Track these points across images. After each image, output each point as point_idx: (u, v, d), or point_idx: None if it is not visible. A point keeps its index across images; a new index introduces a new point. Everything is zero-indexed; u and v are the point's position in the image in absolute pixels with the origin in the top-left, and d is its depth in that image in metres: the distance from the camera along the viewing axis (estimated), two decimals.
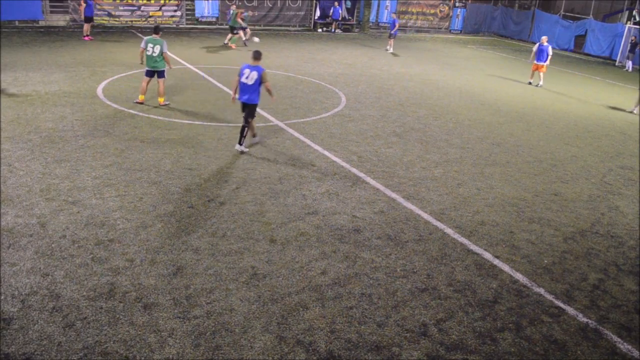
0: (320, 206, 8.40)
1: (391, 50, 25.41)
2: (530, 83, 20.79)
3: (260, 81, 9.94)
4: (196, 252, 6.78)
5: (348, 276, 6.61)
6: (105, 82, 14.63)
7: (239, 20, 22.37)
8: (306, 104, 14.24)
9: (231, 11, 22.71)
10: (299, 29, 30.11)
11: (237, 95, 10.19)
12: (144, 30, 24.38)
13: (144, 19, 25.63)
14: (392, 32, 25.21)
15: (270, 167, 9.72)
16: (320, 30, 30.50)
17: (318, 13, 30.41)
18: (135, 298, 5.80)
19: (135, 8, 25.23)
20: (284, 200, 8.46)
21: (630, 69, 27.77)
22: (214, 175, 9.13)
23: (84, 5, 21.08)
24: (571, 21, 33.65)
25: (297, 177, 9.42)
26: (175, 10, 26.44)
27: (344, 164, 10.27)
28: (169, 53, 12.72)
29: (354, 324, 5.74)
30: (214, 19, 27.59)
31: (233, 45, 22.56)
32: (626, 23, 32.29)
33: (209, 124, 11.81)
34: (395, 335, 5.65)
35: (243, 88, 10.01)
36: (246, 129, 10.29)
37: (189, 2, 26.89)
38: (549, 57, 20.08)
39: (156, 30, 12.80)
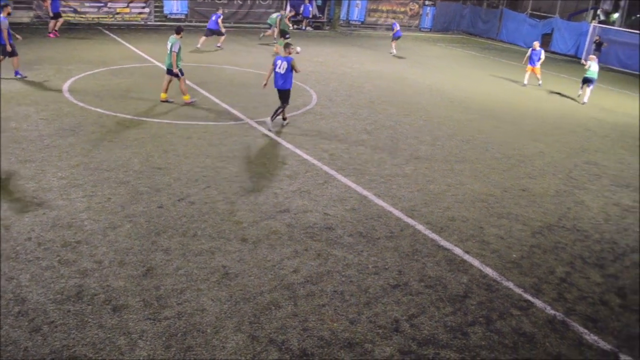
0: (292, 204, 8.39)
1: (394, 52, 25.53)
2: (525, 85, 21.08)
3: (291, 69, 11.68)
4: (166, 252, 6.70)
5: (320, 274, 6.61)
6: (71, 80, 14.33)
7: (287, 22, 22.78)
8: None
9: (278, 15, 23.14)
10: (269, 26, 29.94)
11: (268, 83, 11.91)
12: (111, 28, 23.97)
13: (111, 16, 25.18)
14: (394, 34, 25.32)
15: (241, 166, 9.66)
16: (290, 27, 30.40)
17: (288, 9, 30.29)
18: (104, 300, 5.70)
19: (102, 4, 24.76)
20: (255, 199, 8.42)
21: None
22: (184, 175, 9.03)
23: (48, 1, 20.57)
24: (538, 20, 34.25)
25: (268, 176, 9.38)
26: (143, 7, 26.03)
27: (315, 161, 10.27)
28: (175, 52, 12.69)
29: (326, 322, 5.75)
30: (183, 16, 27.25)
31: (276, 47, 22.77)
32: (591, 22, 33.03)
33: (178, 122, 11.67)
34: (368, 331, 5.68)
35: (277, 77, 11.76)
36: (281, 109, 11.95)
37: None
38: (540, 60, 20.69)
39: (177, 30, 12.94)
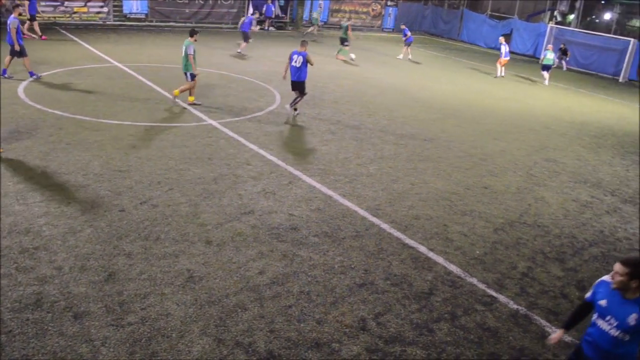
0: (257, 205, 8.33)
1: (409, 56, 25.84)
2: (496, 77, 23.66)
3: (305, 63, 12.85)
4: (129, 256, 6.56)
5: (286, 275, 6.58)
6: (27, 81, 13.91)
7: (349, 32, 23.14)
8: (240, 102, 14.09)
9: (344, 24, 23.70)
10: (232, 26, 29.72)
11: (287, 75, 13.20)
12: (69, 27, 23.39)
13: (68, 15, 24.57)
14: (407, 40, 25.52)
15: (204, 168, 9.55)
16: (253, 27, 30.24)
17: (251, 10, 30.13)
18: (65, 307, 5.55)
19: (59, 3, 24.13)
20: (219, 201, 8.33)
21: (565, 68, 29.17)
22: (145, 177, 8.87)
23: (27, 2, 20.01)
24: (497, 21, 34.95)
25: (232, 177, 9.29)
26: (101, 6, 25.49)
27: (279, 162, 10.22)
28: (191, 55, 12.82)
29: (293, 323, 5.73)
30: (142, 16, 26.80)
31: (342, 58, 23.09)
32: (548, 23, 33.89)
33: (139, 123, 11.46)
34: (335, 331, 5.68)
35: (293, 70, 12.99)
36: (298, 98, 13.29)
37: None
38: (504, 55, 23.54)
39: (191, 33, 13.04)
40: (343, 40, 23.28)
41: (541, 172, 11.57)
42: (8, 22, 13.93)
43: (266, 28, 30.52)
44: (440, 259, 7.41)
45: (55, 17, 24.18)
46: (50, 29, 22.61)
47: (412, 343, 5.65)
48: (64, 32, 22.29)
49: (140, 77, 15.51)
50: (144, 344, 5.17)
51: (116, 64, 17.05)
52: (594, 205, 10.12)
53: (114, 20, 26.04)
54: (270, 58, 21.42)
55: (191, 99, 13.30)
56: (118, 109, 12.29)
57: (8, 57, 14.08)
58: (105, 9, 25.68)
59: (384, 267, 7.04)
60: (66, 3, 24.37)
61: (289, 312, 5.90)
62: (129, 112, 12.15)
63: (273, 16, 30.84)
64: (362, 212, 8.53)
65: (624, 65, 28.29)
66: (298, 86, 13.19)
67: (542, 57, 24.10)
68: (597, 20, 46.13)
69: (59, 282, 5.93)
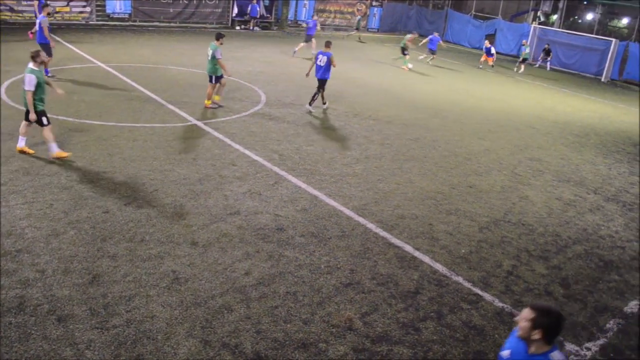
0: (242, 206, 8.30)
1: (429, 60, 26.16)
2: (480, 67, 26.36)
3: (329, 63, 13.90)
4: (113, 258, 6.50)
5: (272, 275, 6.56)
6: (8, 81, 13.72)
7: (409, 43, 23.58)
8: (225, 102, 14.02)
9: (408, 36, 24.37)
10: (216, 26, 29.59)
11: (311, 73, 14.34)
12: (51, 27, 23.05)
13: (49, 15, 24.26)
14: (433, 47, 25.83)
15: (189, 168, 9.49)
16: (238, 28, 30.13)
17: (236, 10, 30.01)
18: (48, 310, 5.48)
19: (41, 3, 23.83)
20: (205, 202, 8.28)
21: (548, 68, 29.48)
22: (130, 178, 8.79)
23: (36, 3, 19.79)
24: (482, 21, 35.18)
25: (218, 178, 9.25)
26: (84, 6, 25.23)
27: (265, 162, 10.20)
28: (219, 59, 12.95)
29: (279, 323, 5.71)
30: (126, 16, 26.58)
31: (405, 68, 23.22)
32: (532, 23, 34.19)
33: (123, 124, 11.36)
34: (322, 331, 5.68)
35: (318, 68, 14.06)
36: (317, 95, 14.25)
37: None
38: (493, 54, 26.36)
39: (217, 37, 13.09)
40: (403, 50, 23.56)
41: (525, 171, 11.67)
42: (38, 21, 14.35)
43: (251, 28, 30.43)
44: (426, 258, 7.44)
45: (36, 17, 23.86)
46: (31, 28, 22.30)
47: (398, 342, 5.67)
48: None
49: (124, 78, 15.38)
50: (129, 347, 5.12)
51: (99, 64, 16.89)
52: (577, 204, 10.23)
53: (97, 20, 25.79)
54: (255, 58, 21.36)
55: (207, 102, 13.42)
56: (101, 110, 12.18)
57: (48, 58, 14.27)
58: (88, 9, 25.42)
59: (370, 266, 7.05)
60: (48, 3, 24.05)
61: (276, 312, 5.89)
62: (113, 113, 12.04)
63: (258, 16, 30.75)
64: (348, 212, 8.54)
65: (606, 65, 28.65)
66: (322, 83, 14.28)
67: (522, 52, 27.55)
68: (579, 21, 46.64)
69: (42, 285, 5.86)
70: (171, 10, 27.76)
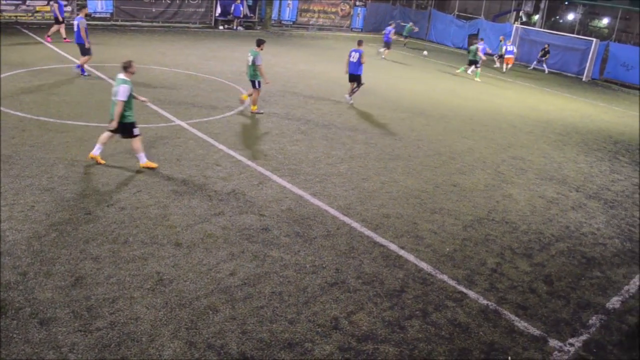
0: (227, 206, 8.26)
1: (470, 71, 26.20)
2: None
3: (360, 59, 15.30)
4: (96, 260, 6.43)
5: (257, 276, 6.54)
6: None
7: (479, 54, 23.27)
8: (209, 102, 13.95)
9: (473, 47, 23.72)
10: (200, 26, 29.44)
11: (347, 69, 15.68)
12: (31, 27, 22.80)
13: (30, 14, 23.97)
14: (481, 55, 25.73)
15: (172, 169, 9.42)
16: (221, 27, 30.01)
17: (219, 10, 29.88)
18: (30, 314, 5.40)
19: (20, 2, 23.51)
20: (189, 202, 8.23)
21: (546, 71, 29.70)
22: (112, 179, 8.70)
23: (56, 5, 20.25)
24: (464, 21, 35.45)
25: (202, 178, 9.20)
26: (65, 5, 24.93)
27: (249, 162, 10.16)
28: (260, 65, 13.03)
29: (265, 323, 5.69)
30: (108, 15, 26.32)
31: (477, 79, 23.24)
32: (514, 23, 34.50)
33: (105, 125, 11.18)
34: (307, 331, 5.67)
35: (351, 65, 15.49)
36: (356, 89, 15.71)
37: None
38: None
39: (258, 43, 13.28)
40: (473, 62, 23.49)
41: (508, 170, 11.77)
42: (76, 22, 14.92)
43: (234, 28, 30.32)
44: (411, 257, 7.46)
45: (16, 16, 23.56)
46: (10, 28, 22.03)
47: (384, 341, 5.68)
48: (25, 31, 21.73)
49: (105, 78, 15.22)
50: (114, 349, 5.07)
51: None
52: (559, 202, 10.34)
53: None
54: (238, 58, 21.27)
55: (254, 108, 13.54)
56: (83, 110, 12.04)
57: (84, 58, 15.06)
58: (69, 8, 25.13)
59: (356, 266, 7.06)
60: (28, 2, 23.76)
61: (261, 312, 5.87)
62: (95, 113, 11.91)
63: (241, 16, 30.65)
64: (332, 212, 8.54)
65: (587, 64, 29.02)
66: (355, 78, 15.59)
67: (503, 48, 28.10)
68: (561, 21, 47.16)
69: (24, 288, 5.78)
70: (154, 9, 27.55)
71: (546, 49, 29.50)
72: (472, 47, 23.71)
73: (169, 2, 27.98)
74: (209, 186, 8.91)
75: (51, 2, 20.90)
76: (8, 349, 4.92)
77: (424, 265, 7.30)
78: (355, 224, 8.21)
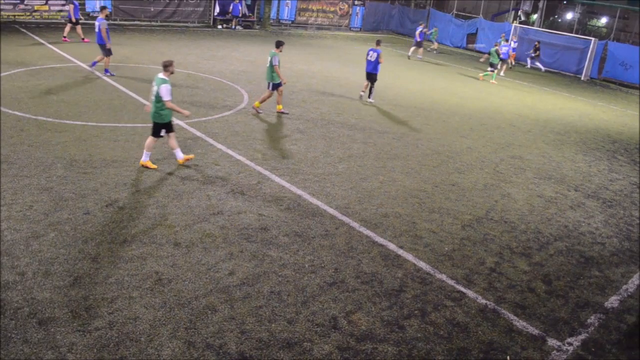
0: (225, 206, 8.26)
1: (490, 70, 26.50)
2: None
3: (378, 59, 15.68)
4: (95, 260, 6.43)
5: (256, 275, 6.54)
6: None
7: (496, 53, 23.07)
8: (207, 102, 13.95)
9: (493, 49, 23.41)
10: (198, 25, 29.41)
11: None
12: (29, 26, 22.78)
13: (28, 14, 23.93)
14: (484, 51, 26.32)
15: (171, 168, 9.42)
16: (220, 27, 29.98)
17: (217, 9, 29.85)
18: (29, 314, 5.40)
19: (18, 1, 23.48)
20: (188, 202, 8.23)
21: (543, 69, 29.69)
22: (111, 179, 8.70)
23: (72, 6, 20.58)
24: (463, 20, 35.43)
25: (201, 178, 9.19)
26: (63, 5, 24.90)
27: (248, 162, 10.16)
28: (276, 66, 13.07)
29: (264, 323, 5.69)
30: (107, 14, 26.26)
31: (493, 82, 23.01)
32: (512, 22, 34.50)
33: (104, 124, 11.23)
34: (306, 330, 5.67)
35: (368, 63, 15.91)
36: (372, 87, 16.16)
37: None
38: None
39: (277, 44, 13.21)
40: (493, 65, 23.29)
41: (507, 169, 11.77)
42: (97, 23, 15.12)
43: (233, 27, 30.30)
44: (409, 256, 7.46)
45: (15, 16, 23.54)
46: (9, 27, 22.00)
47: (383, 340, 5.68)
48: (24, 31, 21.70)
49: (104, 77, 15.22)
50: (112, 349, 5.07)
51: (79, 63, 16.69)
52: (558, 201, 10.34)
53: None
54: (237, 58, 21.27)
55: (279, 107, 13.69)
56: (82, 110, 12.03)
57: (106, 59, 15.34)
58: (67, 7, 25.08)
59: (354, 265, 7.06)
60: (26, 1, 23.73)
61: (260, 312, 5.87)
62: (93, 113, 11.90)
63: (240, 15, 30.63)
64: (331, 211, 8.54)
65: (586, 63, 29.01)
66: (371, 77, 16.02)
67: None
68: (559, 20, 47.19)
69: (22, 288, 5.77)
70: (152, 9, 27.52)
71: (537, 46, 29.48)
72: (492, 50, 23.61)
73: (167, 1, 27.96)
74: (207, 186, 8.91)
75: (67, 3, 21.34)
76: (7, 349, 4.91)
77: (422, 264, 7.30)
78: (354, 224, 8.21)
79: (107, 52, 15.28)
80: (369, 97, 16.31)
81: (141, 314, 5.59)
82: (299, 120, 13.50)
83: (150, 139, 9.29)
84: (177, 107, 9.20)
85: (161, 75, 9.09)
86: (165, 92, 8.90)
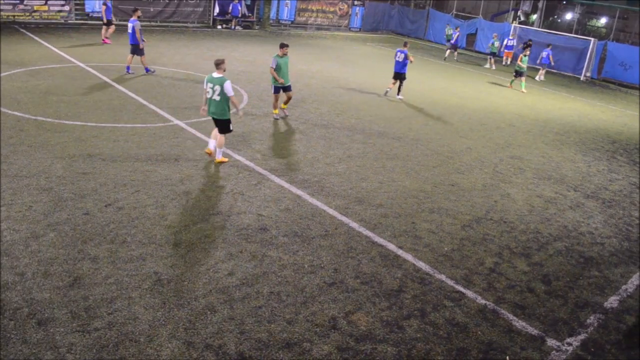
0: (225, 206, 8.26)
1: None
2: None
3: (405, 59, 16.67)
4: (94, 261, 6.42)
5: (256, 276, 6.54)
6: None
7: (520, 62, 22.18)
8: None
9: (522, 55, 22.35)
10: (198, 25, 29.42)
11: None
12: (29, 26, 22.78)
13: (28, 14, 23.93)
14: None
15: (171, 169, 9.42)
16: (219, 27, 29.99)
17: (217, 9, 29.86)
18: (28, 314, 5.40)
19: (18, 2, 23.49)
20: (187, 202, 8.22)
21: (540, 77, 29.51)
22: (110, 179, 8.69)
23: (103, 7, 21.14)
24: (463, 20, 35.43)
25: (200, 178, 9.19)
26: (63, 5, 24.91)
27: (248, 162, 10.16)
28: (272, 68, 12.96)
29: (263, 323, 5.69)
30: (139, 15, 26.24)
31: (524, 90, 22.30)
32: (512, 22, 34.51)
33: (103, 125, 11.23)
34: (306, 331, 5.67)
35: (396, 63, 16.90)
36: (401, 85, 17.21)
37: None
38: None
39: (280, 45, 12.95)
40: (520, 73, 22.42)
41: (506, 169, 11.78)
42: (131, 24, 15.75)
43: (232, 27, 30.31)
44: (409, 257, 7.46)
45: (14, 16, 23.54)
46: (8, 27, 22.01)
47: (382, 341, 5.68)
48: (23, 31, 21.70)
49: (103, 77, 15.22)
50: (112, 350, 5.07)
51: (78, 63, 16.69)
52: (557, 201, 10.35)
53: (76, 19, 25.50)
54: (237, 58, 21.26)
55: (283, 106, 13.64)
56: (81, 110, 12.03)
57: (130, 56, 15.98)
58: (66, 8, 25.11)
59: (354, 265, 7.06)
60: (26, 1, 23.74)
61: (259, 313, 5.86)
62: (93, 113, 11.90)
63: (239, 15, 30.63)
64: (331, 211, 8.54)
65: (585, 63, 29.02)
66: (399, 76, 17.06)
67: (490, 44, 28.58)
68: (559, 20, 47.20)
69: (22, 289, 5.77)
70: (152, 9, 27.53)
71: (528, 43, 29.41)
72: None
73: (167, 1, 27.96)
74: (207, 186, 8.91)
75: (101, 5, 22.00)
76: (6, 349, 4.91)
77: (422, 264, 7.30)
78: (353, 224, 8.21)
79: (141, 52, 15.93)
80: (397, 94, 17.34)
81: (140, 315, 5.59)
82: (299, 120, 13.50)
83: (221, 138, 9.82)
84: (238, 103, 9.83)
85: (217, 74, 9.60)
86: (229, 88, 9.47)
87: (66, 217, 7.34)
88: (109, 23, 21.26)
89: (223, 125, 9.79)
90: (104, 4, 21.20)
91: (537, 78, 26.33)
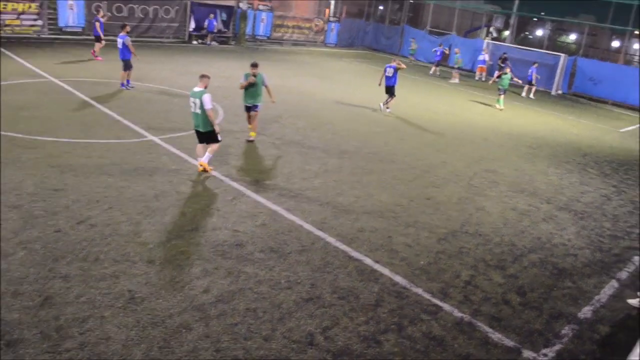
0: (200, 222, 8.18)
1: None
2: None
3: (396, 73, 17.51)
4: (65, 279, 6.29)
5: (232, 292, 6.47)
6: None
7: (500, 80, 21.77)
8: (182, 118, 13.84)
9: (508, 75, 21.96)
10: (173, 40, 29.31)
11: (382, 82, 17.85)
12: (0, 41, 22.39)
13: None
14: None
15: (145, 185, 9.30)
16: (195, 42, 29.92)
17: (193, 25, 29.80)
18: None
19: None
20: (162, 219, 8.12)
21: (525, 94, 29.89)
22: (83, 196, 8.55)
23: (98, 23, 21.28)
24: (437, 36, 35.97)
25: (175, 194, 9.10)
26: (35, 19, 24.60)
27: (223, 178, 10.10)
28: (242, 82, 12.77)
29: (239, 341, 5.62)
30: (79, 29, 26.03)
31: (501, 107, 21.79)
32: (485, 38, 35.16)
33: (76, 140, 11.07)
34: (283, 347, 5.61)
35: (387, 78, 17.63)
36: (389, 100, 17.80)
37: (52, 11, 25.10)
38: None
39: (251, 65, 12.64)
40: (504, 90, 22.05)
41: (481, 183, 11.91)
42: (121, 40, 16.20)
43: (208, 43, 30.27)
44: (385, 271, 7.47)
45: None
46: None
47: (360, 356, 5.65)
48: None
49: (77, 93, 15.03)
50: None
51: (51, 79, 16.46)
52: (531, 213, 10.49)
53: (49, 34, 25.16)
54: (212, 73, 21.17)
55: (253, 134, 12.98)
56: (53, 126, 11.84)
57: (128, 72, 16.37)
58: (39, 22, 24.78)
59: (331, 280, 7.03)
60: (126, 24, 23.94)
61: (236, 330, 5.79)
62: (65, 129, 11.72)
63: (215, 31, 30.62)
64: (307, 227, 8.51)
65: (556, 79, 29.64)
66: (390, 90, 17.75)
67: (457, 59, 29.10)
68: (530, 36, 48.22)
69: None
70: (127, 24, 27.32)
71: (504, 57, 30.04)
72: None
73: (142, 16, 27.81)
74: (181, 202, 8.82)
75: (94, 21, 22.13)
76: None
77: (398, 278, 7.31)
78: (330, 239, 8.20)
79: (129, 66, 16.26)
80: (387, 108, 17.90)
81: (113, 334, 5.48)
82: (275, 135, 13.50)
83: (214, 145, 10.08)
84: (214, 119, 9.96)
85: (197, 88, 9.77)
86: (208, 101, 9.70)
87: (37, 235, 7.19)
88: (98, 39, 21.44)
89: (210, 136, 9.97)
90: (97, 20, 21.52)
91: (523, 95, 26.73)
